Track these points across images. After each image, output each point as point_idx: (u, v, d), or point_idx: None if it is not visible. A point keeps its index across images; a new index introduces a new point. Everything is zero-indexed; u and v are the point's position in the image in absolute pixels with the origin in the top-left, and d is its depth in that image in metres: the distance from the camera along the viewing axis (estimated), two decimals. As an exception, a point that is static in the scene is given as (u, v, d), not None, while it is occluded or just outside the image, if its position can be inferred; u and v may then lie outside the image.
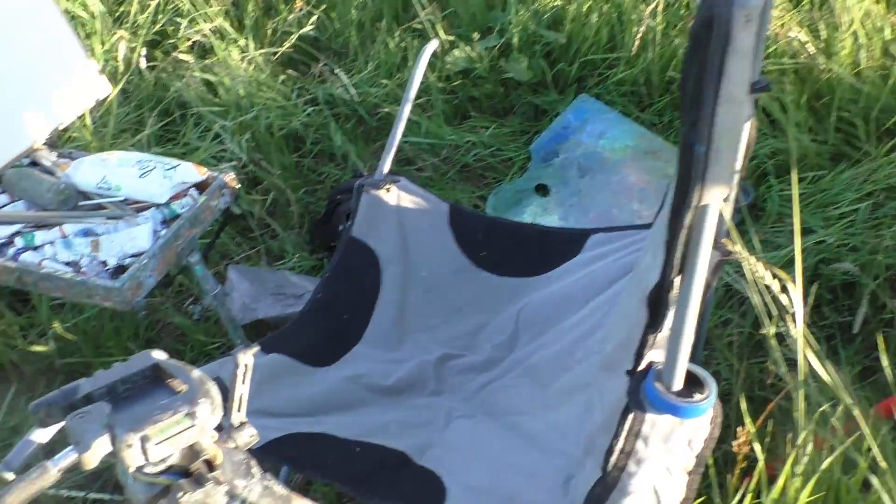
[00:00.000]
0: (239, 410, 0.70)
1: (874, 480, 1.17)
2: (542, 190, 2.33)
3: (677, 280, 0.92)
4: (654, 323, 1.03)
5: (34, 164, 1.71)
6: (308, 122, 2.40)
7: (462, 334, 1.57)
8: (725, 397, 1.63)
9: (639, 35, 2.49)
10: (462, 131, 2.45)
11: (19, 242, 1.49)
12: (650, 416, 1.00)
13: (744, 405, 1.32)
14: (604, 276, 1.53)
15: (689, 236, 0.88)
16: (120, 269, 1.45)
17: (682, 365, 0.95)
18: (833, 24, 2.29)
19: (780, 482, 1.21)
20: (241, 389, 0.71)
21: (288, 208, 2.18)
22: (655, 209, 2.29)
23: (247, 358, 0.71)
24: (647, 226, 1.63)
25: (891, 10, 2.29)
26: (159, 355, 0.70)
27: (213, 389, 0.65)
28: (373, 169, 1.96)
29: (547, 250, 1.66)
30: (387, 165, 1.73)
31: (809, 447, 1.23)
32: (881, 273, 1.80)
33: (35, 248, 1.48)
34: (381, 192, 1.69)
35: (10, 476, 0.71)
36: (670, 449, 0.98)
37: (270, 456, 1.16)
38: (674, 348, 0.95)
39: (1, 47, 1.72)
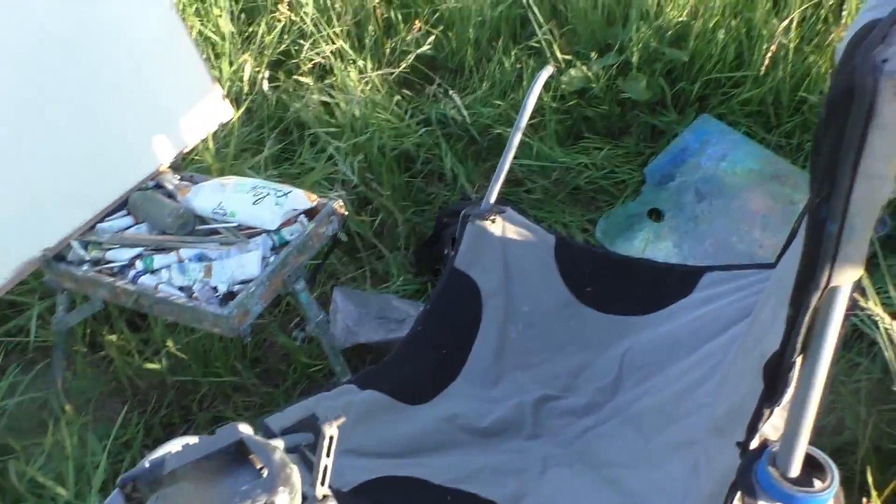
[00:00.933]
0: (322, 484, 0.70)
1: None
2: (656, 215, 2.24)
3: (800, 359, 0.84)
4: (771, 395, 0.95)
5: (159, 186, 1.80)
6: (420, 142, 2.41)
7: (563, 374, 1.52)
8: (850, 447, 1.50)
9: (769, 52, 2.34)
10: (574, 153, 2.39)
11: (139, 265, 1.57)
12: (762, 504, 0.92)
13: (870, 477, 1.20)
14: (717, 320, 1.45)
15: (814, 317, 0.80)
16: (229, 296, 1.50)
17: (801, 450, 0.87)
18: None
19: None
20: (326, 461, 0.70)
21: (396, 229, 2.20)
22: (779, 238, 2.16)
23: (332, 430, 0.70)
24: (769, 265, 1.52)
25: None
26: (245, 430, 0.71)
27: (294, 475, 0.65)
28: (481, 191, 1.93)
29: (657, 288, 1.58)
30: (494, 195, 1.71)
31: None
32: None
33: (153, 272, 1.56)
34: (487, 223, 1.67)
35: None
36: (783, 539, 0.90)
37: (361, 498, 1.16)
38: (793, 432, 0.86)
39: (135, 74, 1.83)
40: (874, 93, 0.67)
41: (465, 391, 1.46)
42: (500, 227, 1.67)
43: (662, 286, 1.56)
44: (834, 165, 0.73)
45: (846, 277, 0.77)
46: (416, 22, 2.74)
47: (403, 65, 2.62)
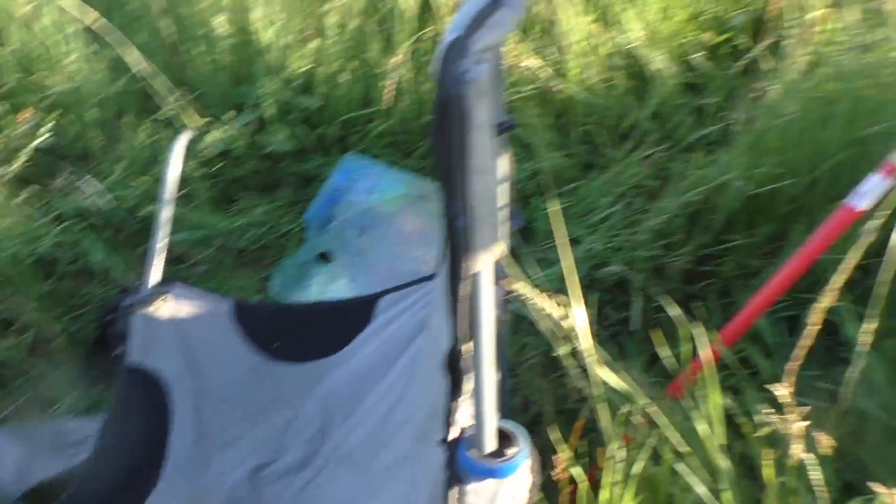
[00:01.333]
0: None
1: (678, 467, 1.25)
2: (326, 257, 2.29)
3: (470, 345, 0.92)
4: (455, 388, 1.03)
5: None
6: (60, 241, 2.19)
7: (271, 437, 1.49)
8: (537, 419, 1.68)
9: (390, 86, 2.54)
10: (232, 216, 2.35)
11: None
12: (472, 486, 0.99)
13: (555, 434, 1.35)
14: (400, 338, 1.52)
15: (469, 305, 0.88)
16: None
17: (491, 428, 0.96)
18: (559, 47, 2.48)
19: (604, 496, 1.26)
20: None
21: (53, 343, 1.96)
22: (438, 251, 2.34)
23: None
24: (431, 277, 1.64)
25: (606, 27, 2.52)
26: None
27: None
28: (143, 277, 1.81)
29: (339, 325, 1.62)
30: (153, 277, 1.61)
31: (621, 454, 1.29)
32: (644, 266, 1.94)
33: None
34: (153, 308, 1.56)
35: None
36: (498, 509, 0.98)
37: None
38: (479, 413, 0.95)
39: None
40: (463, 99, 0.77)
41: (172, 490, 1.35)
42: (170, 307, 1.58)
43: (343, 322, 1.60)
44: (450, 169, 0.82)
45: (483, 262, 0.86)
46: (23, 112, 2.49)
47: (20, 161, 2.36)
